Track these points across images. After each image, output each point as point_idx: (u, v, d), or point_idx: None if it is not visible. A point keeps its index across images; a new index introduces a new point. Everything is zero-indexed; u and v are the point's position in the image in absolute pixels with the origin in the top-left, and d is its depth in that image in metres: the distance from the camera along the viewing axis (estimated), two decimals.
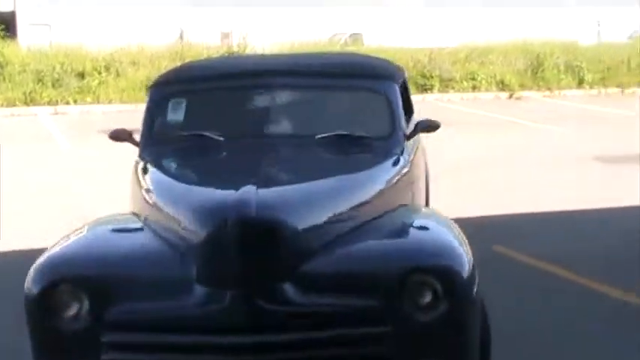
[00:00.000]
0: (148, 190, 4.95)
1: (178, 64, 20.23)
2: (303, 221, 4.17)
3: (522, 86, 24.58)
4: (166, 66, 21.58)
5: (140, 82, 22.01)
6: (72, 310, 4.05)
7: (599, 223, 9.04)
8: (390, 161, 5.18)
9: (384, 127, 5.41)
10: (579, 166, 12.64)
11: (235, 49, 24.72)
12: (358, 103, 5.68)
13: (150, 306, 4.05)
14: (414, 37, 30.79)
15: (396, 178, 5.08)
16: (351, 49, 25.68)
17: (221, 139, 5.35)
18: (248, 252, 3.95)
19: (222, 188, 4.52)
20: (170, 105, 5.65)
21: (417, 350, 4.08)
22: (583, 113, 20.27)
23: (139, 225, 4.64)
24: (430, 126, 5.68)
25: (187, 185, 5.10)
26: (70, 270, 4.15)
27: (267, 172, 4.85)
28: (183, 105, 5.67)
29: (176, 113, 5.65)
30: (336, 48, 27.25)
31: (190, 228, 4.20)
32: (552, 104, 22.66)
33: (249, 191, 4.08)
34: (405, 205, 5.04)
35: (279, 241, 4.03)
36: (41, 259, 4.24)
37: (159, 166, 5.34)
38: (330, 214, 4.39)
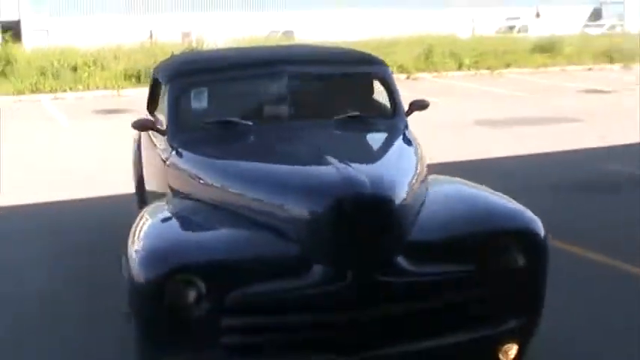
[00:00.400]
0: (207, 176, 4.13)
1: (151, 58, 20.36)
2: (399, 194, 3.56)
3: (417, 69, 24.87)
4: (141, 60, 21.59)
5: (120, 73, 21.95)
6: (190, 298, 3.27)
7: (497, 170, 9.17)
8: (402, 136, 4.62)
9: (389, 106, 4.91)
10: (465, 129, 13.08)
11: (195, 45, 24.48)
12: (363, 87, 5.12)
13: (267, 287, 3.33)
14: (333, 33, 30.78)
15: (418, 150, 4.46)
16: (287, 42, 25.60)
17: (250, 123, 4.54)
18: (366, 228, 3.35)
19: (316, 166, 3.74)
20: (192, 95, 4.85)
21: (510, 308, 3.60)
22: (463, 90, 20.64)
23: (218, 210, 3.82)
24: (422, 105, 5.16)
25: (268, 167, 4.08)
26: (184, 258, 3.36)
27: (338, 151, 3.90)
28: (205, 94, 4.91)
29: (200, 102, 4.88)
30: (274, 42, 27.15)
31: (295, 208, 3.51)
32: (440, 83, 22.98)
33: (351, 169, 3.48)
34: (430, 173, 4.33)
35: (391, 215, 3.43)
36: (144, 249, 3.44)
37: (207, 152, 4.39)
38: (409, 185, 3.76)
